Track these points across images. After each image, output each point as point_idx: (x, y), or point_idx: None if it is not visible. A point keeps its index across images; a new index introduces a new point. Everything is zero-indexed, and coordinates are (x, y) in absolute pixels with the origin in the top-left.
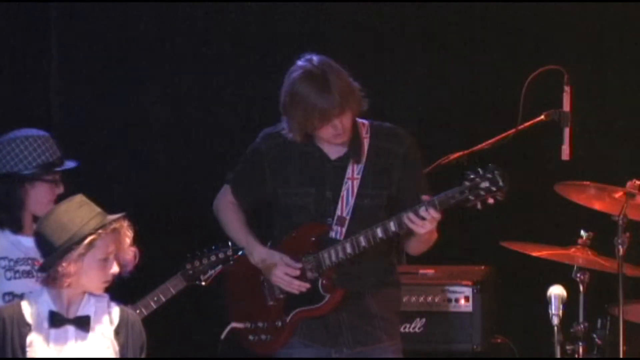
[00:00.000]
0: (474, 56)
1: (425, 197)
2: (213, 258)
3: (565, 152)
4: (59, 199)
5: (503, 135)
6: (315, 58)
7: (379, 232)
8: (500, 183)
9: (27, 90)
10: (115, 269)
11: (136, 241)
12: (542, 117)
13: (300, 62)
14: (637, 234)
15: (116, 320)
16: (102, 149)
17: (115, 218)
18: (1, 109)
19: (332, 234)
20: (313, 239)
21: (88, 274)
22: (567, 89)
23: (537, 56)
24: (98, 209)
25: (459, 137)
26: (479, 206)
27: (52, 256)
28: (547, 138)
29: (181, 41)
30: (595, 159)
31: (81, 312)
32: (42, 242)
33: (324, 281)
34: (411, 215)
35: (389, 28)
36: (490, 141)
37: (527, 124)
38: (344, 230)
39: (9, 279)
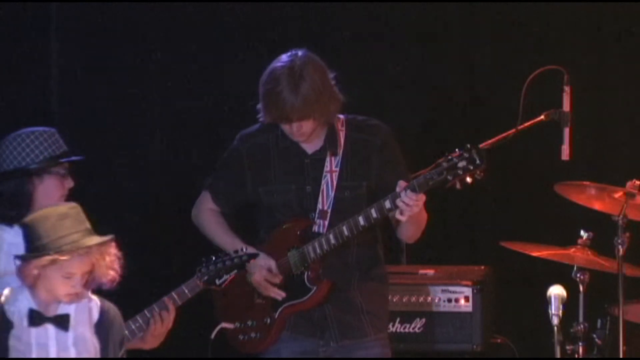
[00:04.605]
0: (474, 56)
1: (401, 183)
2: (228, 262)
3: (565, 152)
4: (71, 194)
5: (503, 135)
6: (300, 56)
7: (361, 220)
8: (478, 161)
9: (27, 90)
10: (77, 288)
11: (135, 248)
12: (542, 117)
13: (285, 56)
14: (637, 234)
15: (96, 317)
16: (102, 149)
17: (89, 244)
18: (1, 108)
19: (316, 228)
20: (297, 233)
21: (50, 283)
22: (567, 89)
23: (537, 56)
24: (81, 226)
25: (459, 137)
26: (458, 186)
27: (24, 254)
28: (547, 138)
29: (182, 41)
30: (595, 159)
31: (61, 311)
32: (24, 236)
33: (310, 274)
34: (392, 202)
35: (388, 28)
36: (490, 141)
37: (527, 124)
38: (326, 223)
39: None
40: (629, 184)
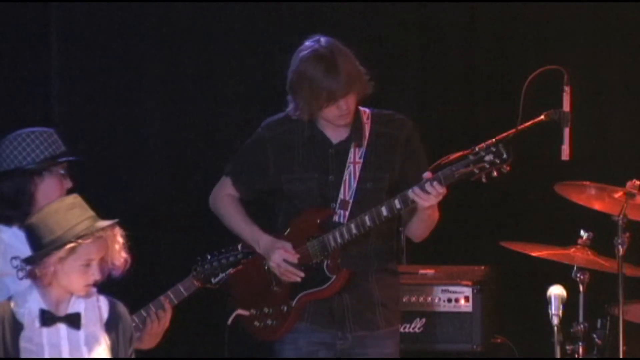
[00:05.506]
0: (474, 56)
1: (428, 173)
2: (224, 261)
3: (565, 152)
4: (68, 193)
5: (503, 135)
6: (323, 39)
7: (384, 211)
8: (504, 155)
9: (27, 90)
10: (96, 275)
11: (132, 247)
12: (542, 117)
13: (308, 42)
14: (637, 234)
15: (106, 315)
16: (102, 149)
17: (104, 226)
18: (1, 109)
19: (336, 218)
20: (317, 222)
21: (68, 277)
22: (567, 89)
23: (537, 56)
24: (89, 213)
25: (459, 137)
26: (483, 179)
27: (35, 253)
28: (547, 138)
29: (181, 40)
30: (595, 159)
31: (71, 310)
32: (30, 237)
33: (329, 262)
34: (417, 190)
35: (388, 28)
36: (490, 141)
37: (527, 124)
38: (347, 213)
39: (22, 279)
40: (629, 184)
